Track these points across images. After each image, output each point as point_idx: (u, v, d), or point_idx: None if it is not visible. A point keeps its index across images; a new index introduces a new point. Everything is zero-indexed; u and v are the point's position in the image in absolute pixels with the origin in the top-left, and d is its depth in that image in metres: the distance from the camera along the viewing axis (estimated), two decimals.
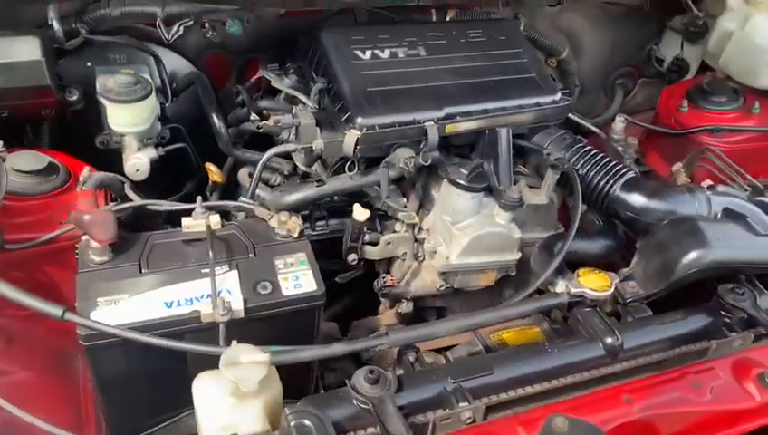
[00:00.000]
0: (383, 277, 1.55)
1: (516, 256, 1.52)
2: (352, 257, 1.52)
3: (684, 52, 2.20)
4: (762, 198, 1.54)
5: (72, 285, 1.19)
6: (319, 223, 1.55)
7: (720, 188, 1.57)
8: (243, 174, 1.64)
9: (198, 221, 1.29)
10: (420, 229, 1.55)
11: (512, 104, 1.54)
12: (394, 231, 1.57)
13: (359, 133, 1.39)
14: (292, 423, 1.01)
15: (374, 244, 1.55)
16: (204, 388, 1.07)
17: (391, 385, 1.09)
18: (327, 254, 1.55)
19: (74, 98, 1.50)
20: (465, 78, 1.56)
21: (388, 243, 1.55)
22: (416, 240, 1.57)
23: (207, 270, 1.21)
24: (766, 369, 1.21)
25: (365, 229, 1.51)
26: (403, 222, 1.54)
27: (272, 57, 1.73)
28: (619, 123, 1.95)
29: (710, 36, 2.09)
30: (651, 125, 2.04)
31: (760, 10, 1.97)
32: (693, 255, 1.34)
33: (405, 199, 1.58)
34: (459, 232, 1.48)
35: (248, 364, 1.04)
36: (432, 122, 1.45)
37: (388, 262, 1.63)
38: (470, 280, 1.54)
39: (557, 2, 2.03)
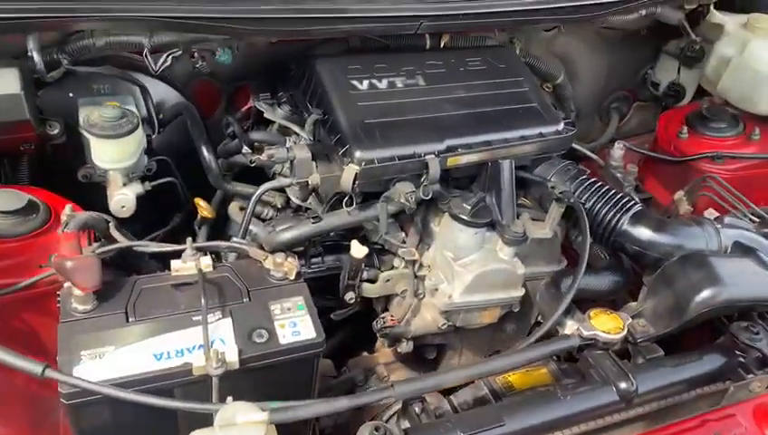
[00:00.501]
0: (383, 317, 1.49)
1: (520, 292, 1.46)
2: (350, 296, 1.45)
3: (680, 76, 2.17)
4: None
5: (54, 332, 1.11)
6: (314, 260, 1.48)
7: (727, 219, 1.52)
8: (234, 208, 1.58)
9: (189, 264, 1.22)
10: (421, 265, 1.49)
11: (514, 135, 1.49)
12: (392, 267, 1.50)
13: (357, 168, 1.33)
14: None
15: (372, 281, 1.48)
16: None
17: None
18: (322, 291, 1.48)
19: (55, 132, 1.42)
20: (465, 108, 1.50)
21: (387, 280, 1.49)
22: (416, 276, 1.50)
23: (199, 317, 1.13)
24: None
25: (363, 266, 1.44)
26: (402, 258, 1.47)
27: (262, 84, 1.67)
28: (617, 150, 1.92)
29: (707, 61, 2.06)
30: (651, 152, 2.00)
31: (758, 35, 1.94)
32: (706, 293, 1.29)
33: (403, 234, 1.52)
34: (462, 269, 1.42)
35: (245, 425, 0.96)
36: (433, 156, 1.39)
37: (387, 299, 1.57)
38: (473, 318, 1.48)
39: (554, 27, 1.99)
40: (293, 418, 1.01)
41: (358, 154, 1.34)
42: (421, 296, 1.50)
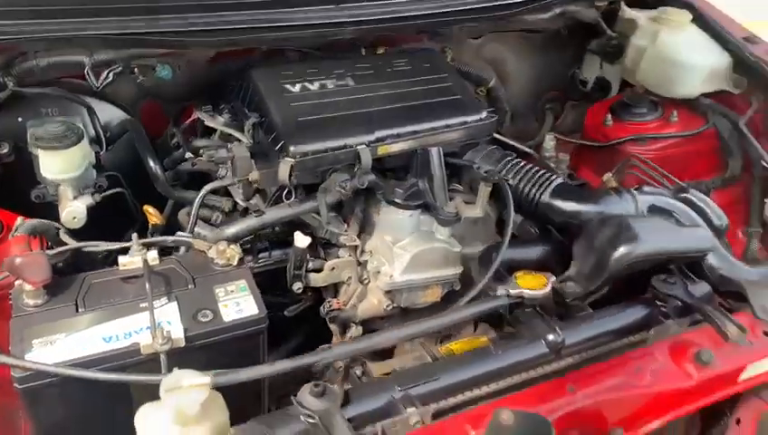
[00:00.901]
0: (329, 301, 1.56)
1: (458, 269, 1.55)
2: (297, 286, 1.53)
3: (604, 72, 2.32)
4: (685, 195, 1.61)
5: (7, 334, 1.17)
6: (261, 255, 1.55)
7: (646, 188, 1.64)
8: (182, 214, 1.65)
9: (135, 258, 1.29)
10: (363, 252, 1.57)
11: (440, 124, 1.60)
12: (337, 257, 1.58)
13: (292, 160, 1.43)
14: None
15: (318, 271, 1.56)
16: (146, 419, 1.05)
17: (337, 397, 1.09)
18: (273, 287, 1.55)
19: (4, 151, 1.50)
20: (393, 103, 1.61)
21: (333, 268, 1.56)
22: (359, 263, 1.58)
23: (146, 304, 1.20)
24: (702, 347, 1.25)
25: (308, 256, 1.52)
26: (346, 246, 1.56)
27: (205, 103, 1.76)
28: (549, 141, 2.03)
29: (626, 54, 2.21)
30: (580, 140, 2.13)
31: (667, 26, 2.10)
32: (623, 249, 1.38)
33: (346, 225, 1.60)
34: (400, 250, 1.51)
35: (190, 387, 1.02)
36: (364, 146, 1.49)
37: (335, 289, 1.64)
38: (416, 297, 1.56)
39: (479, 34, 2.14)
40: (236, 380, 1.07)
41: (292, 148, 1.44)
42: (366, 281, 1.58)
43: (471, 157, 1.67)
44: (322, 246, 1.61)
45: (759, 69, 1.95)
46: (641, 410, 1.20)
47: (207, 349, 1.20)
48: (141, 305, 1.21)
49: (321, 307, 1.56)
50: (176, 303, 1.23)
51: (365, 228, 1.61)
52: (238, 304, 1.24)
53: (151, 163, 1.59)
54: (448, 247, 1.53)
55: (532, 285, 1.33)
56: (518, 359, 1.26)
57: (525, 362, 1.26)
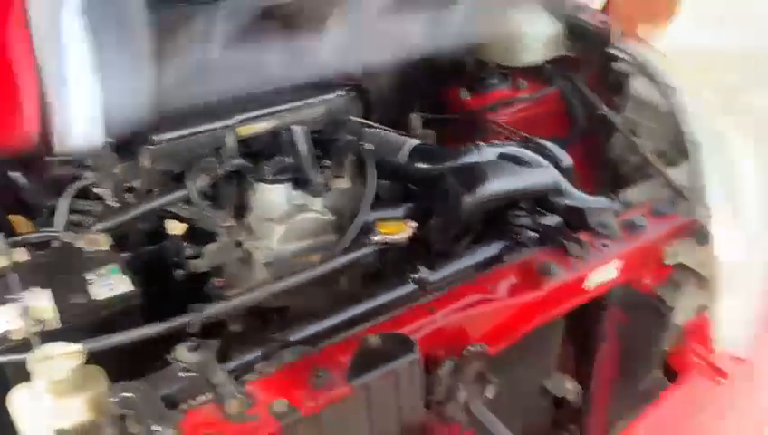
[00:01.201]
0: (212, 281, 1.60)
1: (332, 237, 1.63)
2: (178, 272, 1.56)
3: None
4: (530, 144, 1.78)
5: None
6: (138, 249, 1.58)
7: (494, 141, 1.79)
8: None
9: (0, 257, 1.30)
10: (240, 232, 1.63)
11: (300, 104, 1.70)
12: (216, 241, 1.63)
13: (152, 147, 1.47)
14: (114, 399, 1.03)
15: (197, 257, 1.60)
16: (19, 397, 1.06)
17: (213, 349, 1.14)
18: (152, 279, 1.58)
19: None
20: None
21: (212, 252, 1.61)
22: (239, 244, 1.63)
23: (13, 296, 1.21)
24: (546, 260, 1.39)
25: (184, 244, 1.56)
26: (223, 227, 1.60)
27: None
28: (416, 120, 2.17)
29: None
30: (440, 115, 2.28)
31: None
32: (473, 191, 1.52)
33: (222, 210, 1.65)
34: (275, 223, 1.58)
35: (61, 356, 1.05)
36: (225, 127, 1.56)
37: (220, 273, 1.68)
38: (296, 267, 1.62)
39: None
40: (108, 344, 1.11)
41: (153, 137, 1.49)
42: (246, 260, 1.63)
43: (333, 132, 1.76)
44: (200, 233, 1.65)
45: (586, 32, 2.18)
46: (500, 324, 1.32)
47: (83, 330, 1.21)
48: (9, 297, 1.22)
49: (204, 288, 1.60)
50: (47, 291, 1.24)
51: (241, 211, 1.67)
52: (111, 284, 1.27)
53: (12, 174, 1.59)
54: (320, 216, 1.61)
55: (393, 231, 1.43)
56: (388, 298, 1.35)
57: (395, 299, 1.36)
